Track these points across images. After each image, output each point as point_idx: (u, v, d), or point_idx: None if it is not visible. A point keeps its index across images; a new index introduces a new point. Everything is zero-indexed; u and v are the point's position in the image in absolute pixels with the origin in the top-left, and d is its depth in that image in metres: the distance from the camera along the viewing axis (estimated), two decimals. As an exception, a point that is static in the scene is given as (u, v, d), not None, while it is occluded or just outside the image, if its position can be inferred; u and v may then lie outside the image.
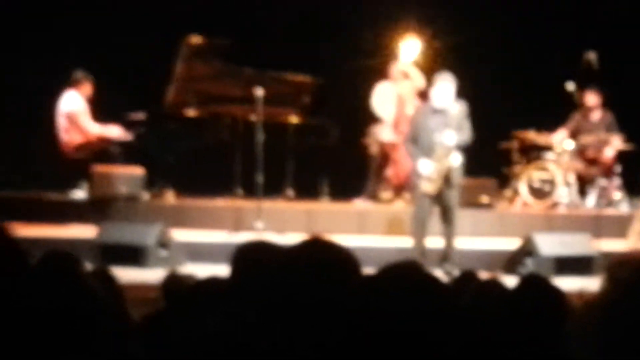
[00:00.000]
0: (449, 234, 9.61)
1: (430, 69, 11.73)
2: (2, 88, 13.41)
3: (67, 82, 12.23)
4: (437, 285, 2.41)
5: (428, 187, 9.39)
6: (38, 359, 2.11)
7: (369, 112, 12.69)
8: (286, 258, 2.64)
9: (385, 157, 12.49)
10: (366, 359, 2.29)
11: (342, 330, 2.39)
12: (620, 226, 11.38)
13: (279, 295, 2.54)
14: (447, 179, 9.42)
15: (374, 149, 12.73)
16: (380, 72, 12.81)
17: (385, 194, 12.62)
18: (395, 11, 13.62)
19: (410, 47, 12.35)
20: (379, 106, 12.48)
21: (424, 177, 9.40)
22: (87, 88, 12.21)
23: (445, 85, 9.44)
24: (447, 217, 9.57)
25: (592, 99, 12.88)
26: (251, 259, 3.47)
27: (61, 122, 12.11)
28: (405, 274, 2.40)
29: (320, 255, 2.55)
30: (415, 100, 11.85)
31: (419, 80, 12.08)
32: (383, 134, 12.46)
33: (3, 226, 2.16)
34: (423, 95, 11.51)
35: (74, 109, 12.06)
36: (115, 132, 12.26)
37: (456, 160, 9.42)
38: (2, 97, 13.40)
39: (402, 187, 12.34)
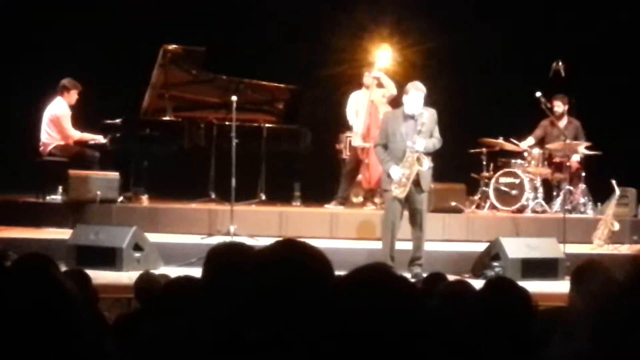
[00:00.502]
0: (418, 237, 9.64)
1: (402, 77, 11.78)
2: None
3: (54, 89, 12.27)
4: (405, 286, 2.41)
5: (398, 191, 9.43)
6: None
7: (342, 118, 12.73)
8: (260, 259, 2.62)
9: (356, 162, 12.51)
10: (337, 359, 2.30)
11: (314, 331, 2.38)
12: (585, 230, 11.48)
13: (252, 296, 2.53)
14: (416, 184, 9.46)
15: (345, 154, 12.77)
16: (353, 80, 12.86)
17: (357, 198, 12.65)
18: (368, 20, 13.68)
19: (383, 56, 12.39)
20: (352, 114, 12.52)
21: (394, 181, 9.44)
22: (72, 95, 12.29)
23: (417, 94, 9.51)
24: (416, 220, 9.59)
25: (559, 106, 12.99)
26: (223, 260, 3.46)
27: (44, 124, 12.16)
28: (374, 276, 2.40)
29: (294, 257, 2.54)
30: (386, 107, 11.88)
31: (391, 88, 12.12)
32: (355, 139, 12.48)
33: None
34: (394, 102, 11.54)
35: (58, 113, 12.15)
36: (93, 137, 12.30)
37: (426, 165, 9.46)
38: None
39: (373, 192, 12.38)
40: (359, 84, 12.66)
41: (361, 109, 12.41)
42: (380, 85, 12.35)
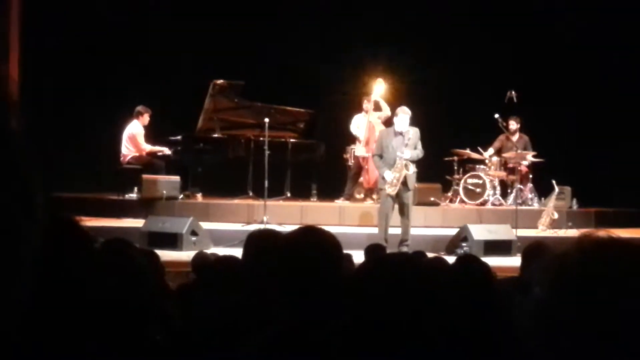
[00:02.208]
0: (405, 224, 9.64)
1: (393, 103, 11.76)
2: (80, 120, 13.45)
3: (131, 114, 12.32)
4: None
5: (390, 190, 9.43)
6: (104, 316, 2.12)
7: (347, 134, 12.74)
8: (286, 241, 2.61)
9: (359, 167, 12.52)
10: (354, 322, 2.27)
11: (334, 299, 2.36)
12: (532, 219, 11.44)
13: (280, 270, 2.51)
14: (404, 184, 9.46)
15: (350, 162, 12.77)
16: (355, 105, 12.86)
17: (359, 195, 12.65)
18: (366, 59, 13.69)
19: (378, 87, 12.39)
20: (355, 130, 12.54)
21: (387, 182, 9.44)
22: (145, 118, 12.31)
23: (405, 116, 9.52)
24: (404, 211, 9.60)
25: (513, 125, 12.96)
26: (259, 242, 3.47)
27: (124, 141, 12.20)
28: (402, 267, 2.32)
29: (313, 239, 2.53)
30: (381, 126, 11.86)
31: (387, 110, 12.11)
32: (357, 150, 12.50)
33: (75, 219, 2.15)
34: (387, 122, 11.53)
35: (134, 132, 12.18)
36: (161, 149, 12.34)
37: (411, 170, 9.46)
38: (79, 127, 13.42)
39: (371, 190, 12.36)
40: (360, 109, 12.66)
41: (361, 127, 12.42)
42: (377, 108, 12.35)
